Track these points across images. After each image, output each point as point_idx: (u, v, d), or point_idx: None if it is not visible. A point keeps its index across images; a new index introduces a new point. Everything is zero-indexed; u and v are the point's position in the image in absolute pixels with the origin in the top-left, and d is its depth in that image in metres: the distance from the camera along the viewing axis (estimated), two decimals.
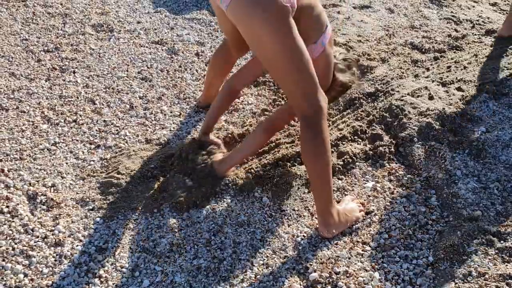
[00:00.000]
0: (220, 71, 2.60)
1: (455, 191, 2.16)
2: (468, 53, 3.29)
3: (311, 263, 1.86)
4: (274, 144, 2.45)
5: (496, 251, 1.89)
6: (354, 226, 2.02)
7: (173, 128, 2.60)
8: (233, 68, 2.68)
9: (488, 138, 2.45)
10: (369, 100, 2.77)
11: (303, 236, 1.98)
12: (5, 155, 2.34)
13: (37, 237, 1.94)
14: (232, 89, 2.37)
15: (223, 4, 1.78)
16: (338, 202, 2.11)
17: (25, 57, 3.11)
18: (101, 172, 2.28)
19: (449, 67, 3.07)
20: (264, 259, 1.88)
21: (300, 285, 1.79)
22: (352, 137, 2.48)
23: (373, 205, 2.12)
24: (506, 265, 1.83)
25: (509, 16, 3.37)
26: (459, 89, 2.84)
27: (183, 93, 2.86)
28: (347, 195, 2.18)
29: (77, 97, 2.78)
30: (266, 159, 2.33)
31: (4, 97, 2.74)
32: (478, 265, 1.83)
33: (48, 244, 1.91)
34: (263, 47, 1.75)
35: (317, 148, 1.82)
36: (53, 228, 1.98)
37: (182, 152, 2.28)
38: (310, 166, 1.88)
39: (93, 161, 2.34)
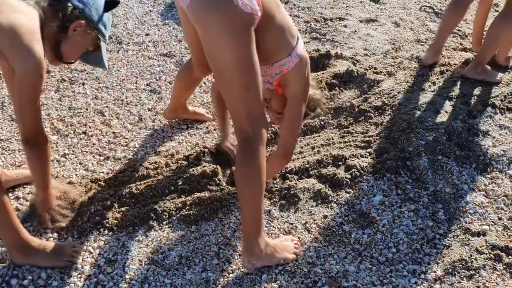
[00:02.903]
0: (187, 88, 2.57)
1: (462, 206, 2.17)
2: None
3: (319, 277, 1.87)
4: None
5: (504, 266, 1.90)
6: (362, 240, 2.03)
7: (181, 140, 2.62)
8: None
9: (495, 152, 2.46)
10: (376, 114, 2.79)
11: (312, 249, 1.99)
12: (15, 166, 2.36)
13: None
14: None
15: (184, 2, 1.65)
16: (289, 233, 2.07)
17: None
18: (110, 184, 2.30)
19: (455, 81, 3.09)
20: (273, 273, 1.88)
21: None
22: (359, 150, 2.49)
23: (381, 219, 2.13)
24: None
25: (432, 45, 3.30)
26: (465, 103, 2.86)
27: (191, 105, 2.88)
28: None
29: (86, 109, 2.81)
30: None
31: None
32: (486, 280, 1.84)
33: None
34: (217, 54, 1.64)
35: (249, 174, 1.75)
36: (63, 240, 1.99)
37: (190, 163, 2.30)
38: (239, 190, 1.81)
39: (103, 172, 2.36)
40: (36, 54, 1.60)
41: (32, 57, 1.60)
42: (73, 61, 1.89)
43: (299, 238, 2.03)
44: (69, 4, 1.73)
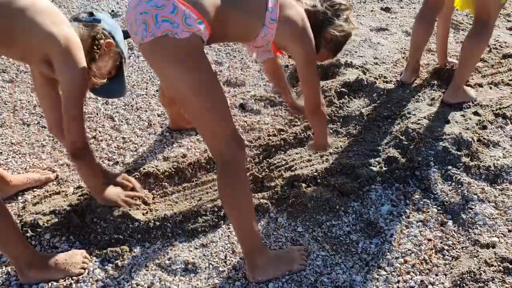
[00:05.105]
0: (171, 102, 2.53)
1: (471, 217, 2.15)
2: (484, 76, 3.30)
3: (326, 286, 1.86)
4: (289, 165, 2.46)
5: None
6: (370, 250, 2.01)
7: (190, 146, 2.63)
8: None
9: (505, 163, 2.44)
10: (386, 123, 2.78)
11: (319, 258, 1.98)
12: (25, 170, 2.38)
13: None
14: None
15: (137, 41, 1.70)
16: (297, 244, 2.05)
17: None
18: None
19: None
20: (279, 282, 1.88)
21: None
22: (368, 159, 2.48)
23: (389, 229, 2.12)
24: None
25: (408, 64, 3.20)
26: (475, 113, 2.84)
27: None
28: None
29: (97, 114, 2.83)
30: (282, 179, 2.34)
31: (26, 112, 2.80)
32: None
33: None
34: (171, 87, 1.69)
35: (234, 197, 1.75)
36: (71, 245, 2.00)
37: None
38: (228, 213, 1.79)
39: None
40: (83, 64, 1.77)
41: (79, 65, 1.75)
42: (103, 80, 2.01)
43: (306, 247, 2.02)
44: (100, 25, 1.94)
